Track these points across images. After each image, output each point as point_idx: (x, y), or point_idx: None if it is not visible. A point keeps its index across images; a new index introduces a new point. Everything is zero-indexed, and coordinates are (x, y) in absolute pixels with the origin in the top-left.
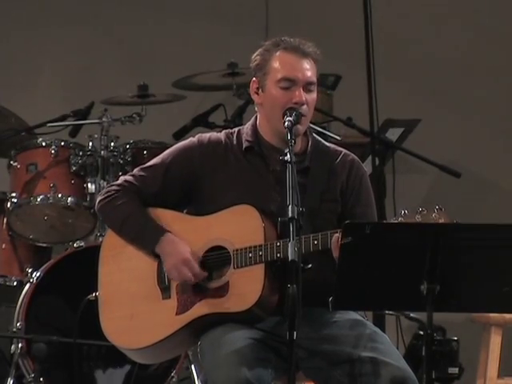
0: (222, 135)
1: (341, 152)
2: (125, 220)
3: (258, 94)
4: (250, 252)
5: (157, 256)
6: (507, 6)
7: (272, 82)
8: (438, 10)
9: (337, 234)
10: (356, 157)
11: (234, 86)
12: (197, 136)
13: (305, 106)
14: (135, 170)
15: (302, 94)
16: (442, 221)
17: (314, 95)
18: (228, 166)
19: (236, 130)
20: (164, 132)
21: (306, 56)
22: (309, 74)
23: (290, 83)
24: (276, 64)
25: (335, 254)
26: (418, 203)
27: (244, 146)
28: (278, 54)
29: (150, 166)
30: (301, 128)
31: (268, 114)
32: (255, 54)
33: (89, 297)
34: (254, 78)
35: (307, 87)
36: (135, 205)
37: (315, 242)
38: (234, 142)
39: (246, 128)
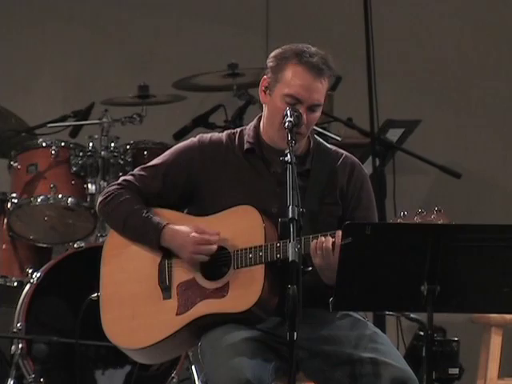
0: (223, 136)
1: (342, 154)
2: (126, 220)
3: (265, 93)
4: (250, 253)
5: (164, 249)
6: (507, 6)
7: (279, 92)
8: (437, 9)
9: (315, 241)
10: (357, 160)
11: (235, 87)
12: (198, 136)
13: (303, 126)
14: (135, 170)
15: (303, 115)
16: (440, 222)
17: (316, 114)
18: (228, 167)
19: (238, 130)
20: (164, 132)
21: (321, 75)
22: (316, 96)
23: (295, 100)
24: (289, 76)
25: (314, 260)
26: (418, 204)
27: (245, 148)
28: (294, 65)
29: (151, 166)
30: (298, 145)
31: (269, 121)
32: (273, 54)
33: (91, 296)
34: (265, 77)
35: (312, 107)
36: (135, 203)
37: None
38: (236, 143)
39: (248, 129)
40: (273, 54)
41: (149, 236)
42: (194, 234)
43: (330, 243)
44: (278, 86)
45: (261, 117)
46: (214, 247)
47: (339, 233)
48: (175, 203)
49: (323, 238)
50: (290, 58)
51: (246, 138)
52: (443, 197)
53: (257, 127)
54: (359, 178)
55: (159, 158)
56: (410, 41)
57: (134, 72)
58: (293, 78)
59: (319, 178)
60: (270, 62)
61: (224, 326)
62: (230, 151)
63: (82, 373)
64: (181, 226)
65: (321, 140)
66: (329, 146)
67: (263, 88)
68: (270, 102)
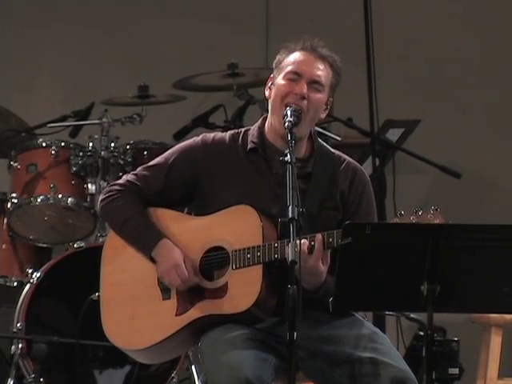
0: (226, 135)
1: (344, 159)
2: (124, 223)
3: (270, 88)
4: (249, 253)
5: (154, 261)
6: (508, 6)
7: (281, 74)
8: (438, 10)
9: (304, 241)
10: (359, 165)
11: (235, 87)
12: (201, 136)
13: (305, 101)
14: (138, 169)
15: (303, 87)
16: (436, 221)
17: (318, 95)
18: (230, 167)
19: (242, 130)
20: (164, 132)
21: (322, 58)
22: (318, 72)
23: (296, 76)
24: (289, 59)
25: (310, 262)
26: (418, 204)
27: (248, 147)
28: (296, 51)
29: (153, 166)
30: (298, 132)
31: (271, 104)
32: (278, 54)
33: (92, 296)
34: (271, 75)
35: (313, 85)
36: (135, 207)
37: (312, 243)
38: (239, 143)
39: (253, 129)
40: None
41: (143, 245)
42: (180, 260)
43: (306, 247)
44: (280, 72)
45: (265, 118)
46: (179, 283)
47: (319, 236)
48: (176, 202)
49: (302, 241)
50: (291, 48)
51: (249, 137)
52: (443, 197)
53: (261, 127)
54: (361, 184)
55: (162, 156)
56: (410, 41)
57: (134, 72)
58: (294, 59)
59: (320, 182)
60: (275, 60)
61: (223, 326)
62: (233, 151)
63: (82, 373)
64: (179, 250)
65: (324, 144)
66: (332, 150)
67: (269, 85)
68: (274, 90)
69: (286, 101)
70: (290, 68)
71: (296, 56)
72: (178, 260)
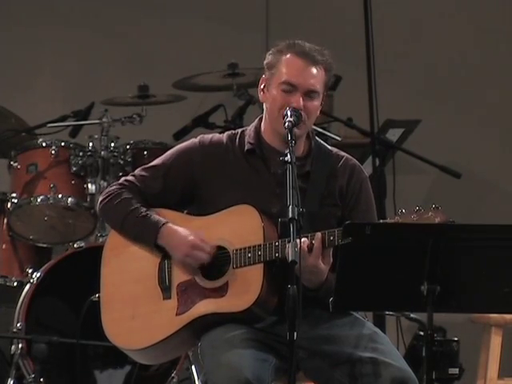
0: (224, 136)
1: (343, 156)
2: (124, 218)
3: (264, 92)
4: (249, 252)
5: (161, 249)
6: (508, 6)
7: (276, 83)
8: (438, 9)
9: (304, 239)
10: (358, 162)
11: (235, 87)
12: (199, 137)
13: (302, 112)
14: (136, 171)
15: (299, 100)
16: (438, 220)
17: (314, 103)
18: (228, 168)
19: (239, 131)
20: (164, 132)
21: (315, 63)
22: (312, 81)
23: (290, 87)
24: (283, 66)
25: (309, 261)
26: (418, 204)
27: (246, 148)
28: (287, 56)
29: (152, 167)
30: (298, 132)
31: (268, 113)
32: (268, 53)
33: (92, 297)
34: (264, 76)
35: (308, 94)
36: (134, 202)
37: (313, 242)
38: (236, 144)
39: (249, 130)
40: (268, 52)
41: (146, 233)
42: (192, 237)
43: (306, 245)
44: (273, 78)
45: (261, 118)
46: (206, 256)
47: (318, 235)
48: (176, 203)
49: (302, 240)
50: (283, 50)
51: (246, 138)
52: (443, 197)
53: (257, 128)
54: (359, 180)
55: (160, 158)
56: (410, 41)
57: (134, 72)
58: (286, 66)
59: (319, 180)
60: (265, 60)
61: (224, 325)
62: (231, 152)
63: (82, 373)
64: (180, 227)
65: (322, 142)
66: (330, 147)
67: (261, 87)
68: (269, 96)
69: (283, 112)
70: (283, 78)
71: (288, 62)
72: (189, 239)
